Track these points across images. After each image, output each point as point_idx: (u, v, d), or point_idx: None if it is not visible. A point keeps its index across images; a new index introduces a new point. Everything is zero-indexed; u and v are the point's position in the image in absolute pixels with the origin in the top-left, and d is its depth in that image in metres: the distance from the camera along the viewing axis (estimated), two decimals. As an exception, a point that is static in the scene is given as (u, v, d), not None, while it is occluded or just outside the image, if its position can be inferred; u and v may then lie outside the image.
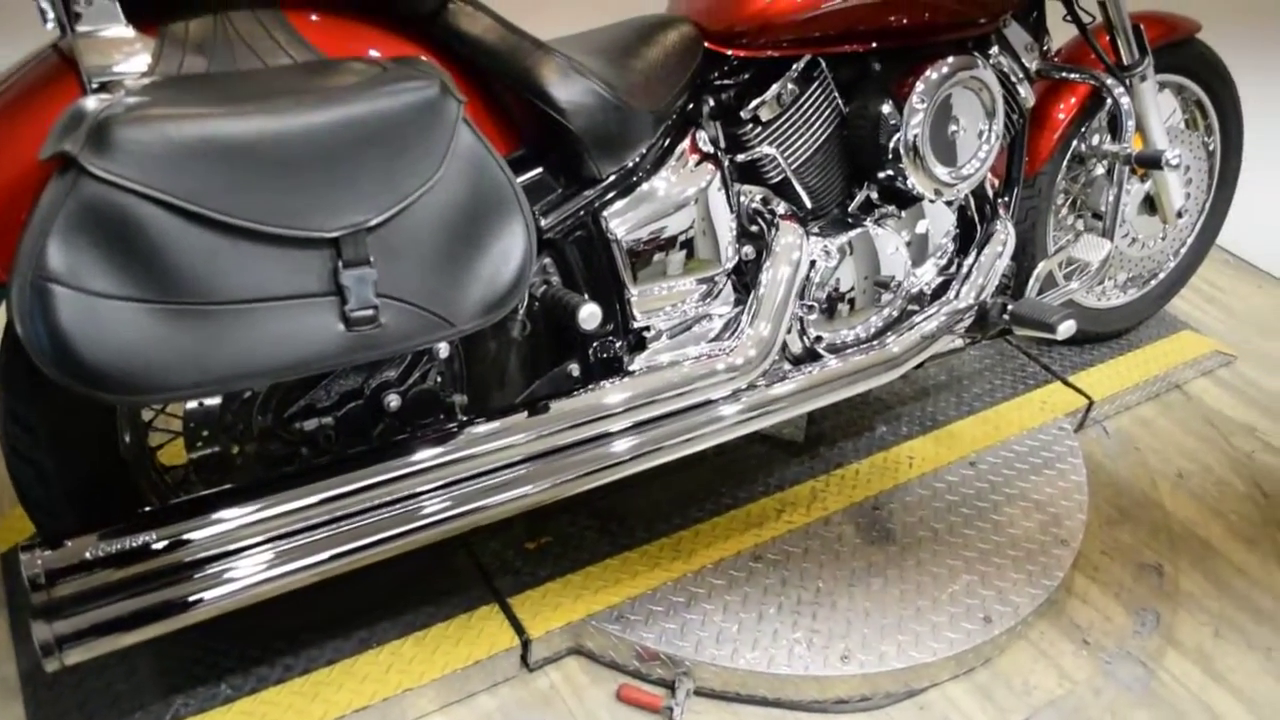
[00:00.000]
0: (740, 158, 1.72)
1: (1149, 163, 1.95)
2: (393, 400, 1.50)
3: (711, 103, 1.72)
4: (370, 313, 1.17)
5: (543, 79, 1.41)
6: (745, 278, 1.73)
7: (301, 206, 1.11)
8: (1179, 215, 2.31)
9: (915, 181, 1.75)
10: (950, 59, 1.73)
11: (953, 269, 1.95)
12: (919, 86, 1.70)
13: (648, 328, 1.64)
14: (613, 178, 1.54)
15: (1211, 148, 2.44)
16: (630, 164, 1.54)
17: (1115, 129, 1.97)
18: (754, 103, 1.69)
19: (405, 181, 1.17)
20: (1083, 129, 2.17)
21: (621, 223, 1.55)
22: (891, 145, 1.72)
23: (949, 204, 1.92)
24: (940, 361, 2.38)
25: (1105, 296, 2.50)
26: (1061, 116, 2.12)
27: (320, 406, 1.48)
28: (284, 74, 1.22)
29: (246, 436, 1.48)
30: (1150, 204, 2.32)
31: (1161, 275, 2.54)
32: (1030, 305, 1.86)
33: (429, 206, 1.19)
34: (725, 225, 1.67)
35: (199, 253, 1.08)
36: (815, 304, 1.76)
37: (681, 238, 1.62)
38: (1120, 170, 2.00)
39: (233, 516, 1.33)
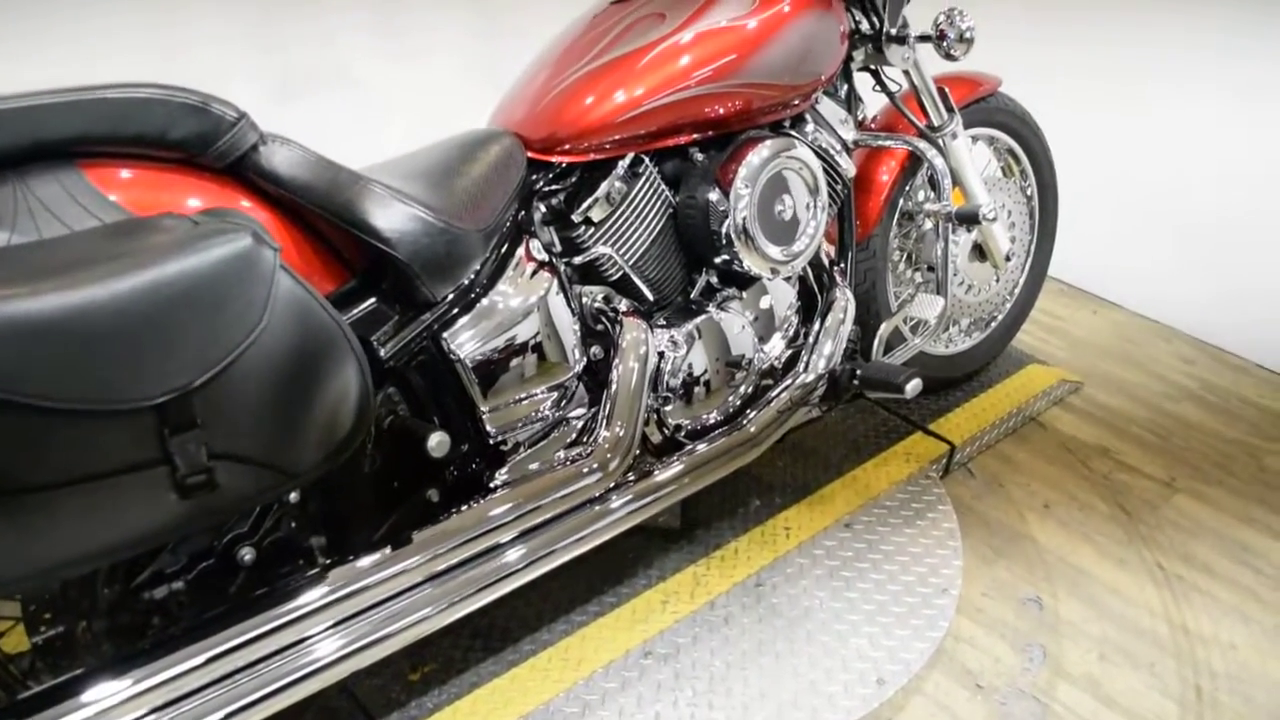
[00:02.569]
0: (578, 260, 1.74)
1: (967, 219, 2.04)
2: (246, 553, 1.44)
3: (543, 210, 1.73)
4: (204, 477, 1.13)
5: (364, 211, 1.40)
6: (598, 377, 1.73)
7: (118, 378, 1.07)
8: (1007, 259, 2.42)
9: (750, 263, 1.79)
10: (768, 142, 1.78)
11: (800, 340, 1.99)
12: (741, 172, 1.74)
13: (504, 441, 1.63)
14: (449, 298, 1.53)
15: (1029, 191, 2.56)
16: (465, 283, 1.54)
17: (935, 187, 2.06)
18: (584, 205, 1.71)
19: (226, 338, 1.14)
20: (906, 188, 2.26)
21: (463, 342, 1.55)
22: (723, 231, 1.76)
23: (788, 279, 1.96)
24: (805, 427, 2.42)
25: (952, 343, 2.58)
26: (885, 179, 2.20)
27: (170, 572, 1.41)
28: (89, 240, 1.18)
29: (94, 613, 1.40)
30: (980, 251, 2.42)
31: (1001, 316, 2.65)
32: (877, 368, 1.91)
33: (254, 359, 1.16)
34: (569, 329, 1.67)
35: (12, 439, 1.03)
36: (670, 394, 1.78)
37: (527, 348, 1.62)
38: (944, 227, 2.09)
39: (91, 701, 1.26)
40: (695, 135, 1.76)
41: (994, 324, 2.65)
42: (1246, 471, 2.52)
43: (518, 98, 1.75)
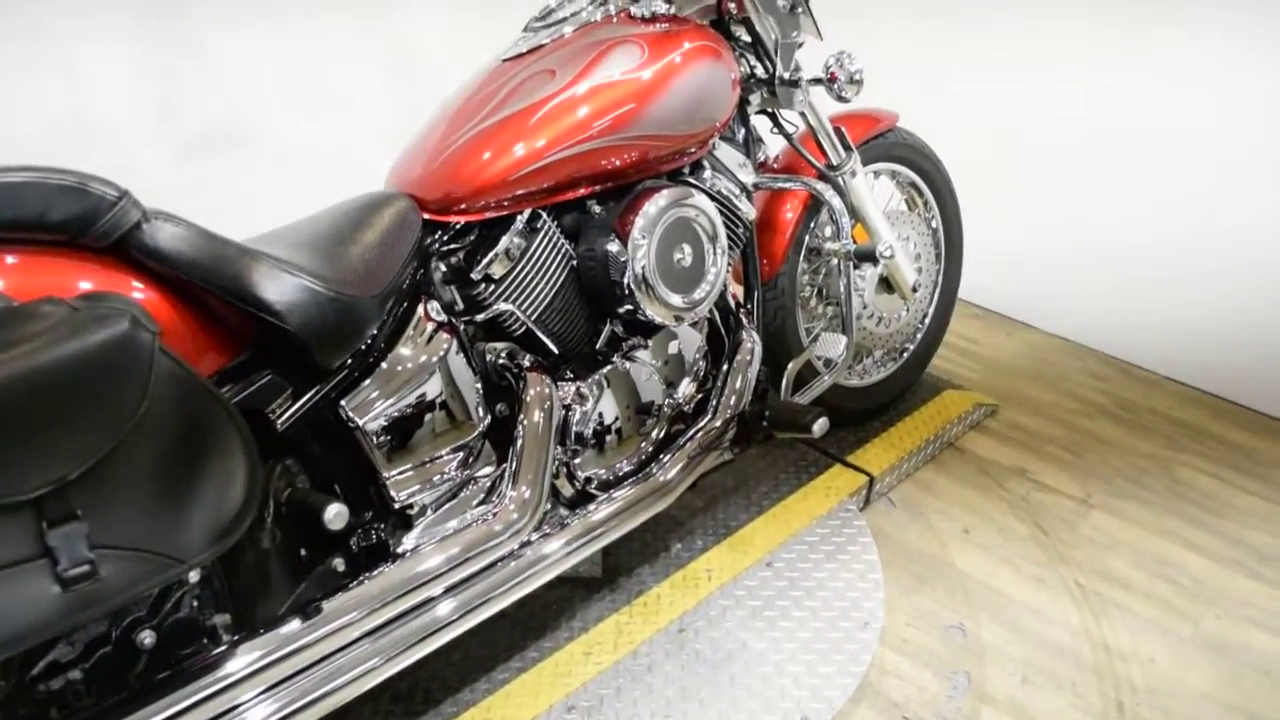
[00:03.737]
0: (480, 317, 1.74)
1: (865, 257, 2.08)
2: (146, 637, 1.41)
3: (442, 269, 1.73)
4: (86, 569, 1.11)
5: (251, 284, 1.39)
6: (505, 434, 1.73)
7: None
8: (914, 290, 2.46)
9: (651, 312, 1.80)
10: (665, 191, 1.80)
11: (710, 384, 2.01)
12: (638, 223, 1.76)
13: (410, 505, 1.62)
14: (344, 367, 1.52)
15: (933, 222, 2.61)
16: (360, 349, 1.53)
17: (835, 226, 2.10)
18: (483, 263, 1.71)
19: (105, 426, 1.12)
20: (811, 225, 2.30)
21: (362, 409, 1.54)
22: (623, 281, 1.77)
23: (694, 324, 1.98)
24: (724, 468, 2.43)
25: (866, 374, 2.62)
26: (789, 219, 2.23)
27: (66, 661, 1.38)
28: (-38, 330, 1.16)
29: (-13, 709, 1.36)
30: (888, 284, 2.46)
31: (913, 345, 2.69)
32: (784, 409, 1.93)
33: (136, 446, 1.14)
34: (471, 388, 1.67)
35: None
36: (579, 446, 1.78)
37: (428, 410, 1.61)
38: (845, 265, 2.12)
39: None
40: (593, 187, 1.77)
41: (907, 353, 2.69)
42: (1159, 484, 2.58)
43: (412, 159, 1.75)
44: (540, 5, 1.94)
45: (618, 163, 1.75)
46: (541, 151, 1.67)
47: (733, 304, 2.09)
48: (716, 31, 2.01)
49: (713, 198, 1.95)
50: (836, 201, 2.05)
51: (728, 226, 1.99)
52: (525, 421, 1.69)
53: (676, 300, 1.81)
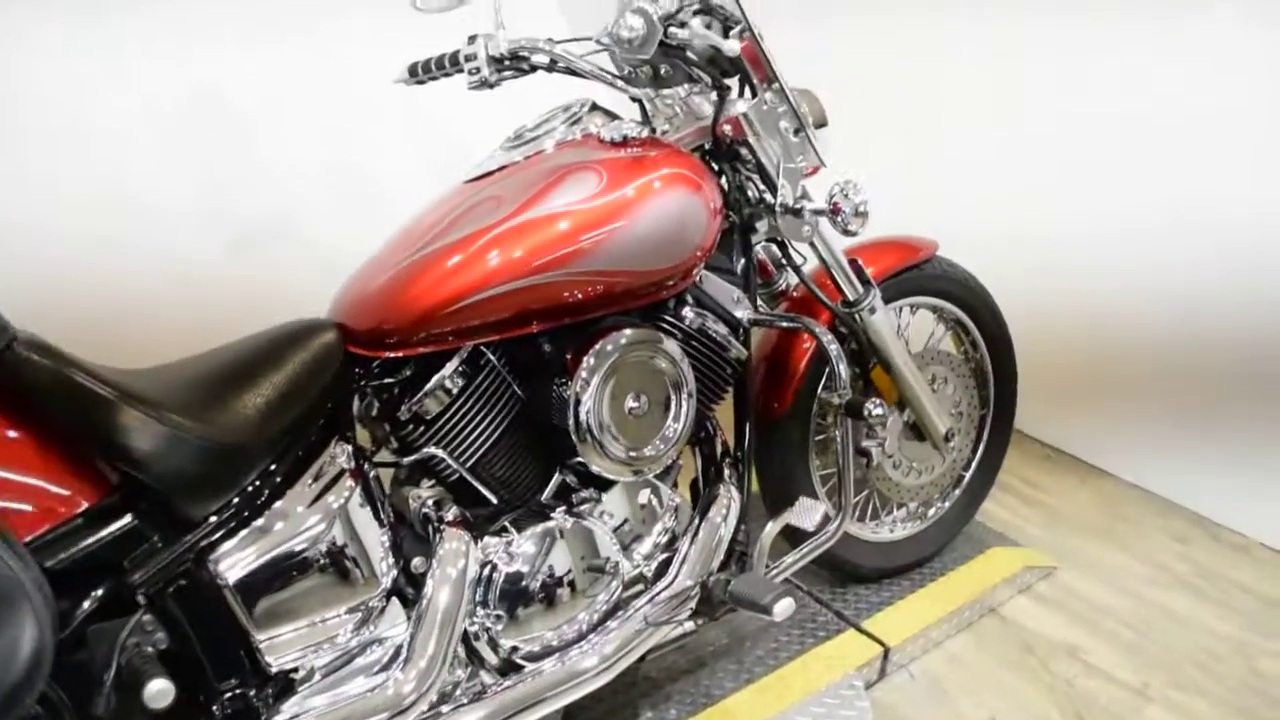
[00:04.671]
0: (408, 461, 1.59)
1: (852, 412, 1.84)
2: None
3: (369, 407, 1.59)
4: None
5: (105, 428, 1.27)
6: (418, 591, 1.56)
7: None
8: (948, 439, 2.20)
9: (598, 466, 1.62)
10: (624, 332, 1.62)
11: (677, 543, 1.79)
12: (586, 365, 1.58)
13: (292, 671, 1.45)
14: (217, 517, 1.38)
15: (973, 363, 2.36)
16: (236, 499, 1.39)
17: (831, 376, 1.86)
18: (412, 402, 1.56)
19: None
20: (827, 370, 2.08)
21: (234, 564, 1.39)
22: (566, 429, 1.59)
23: (664, 476, 1.78)
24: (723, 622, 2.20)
25: (896, 527, 2.36)
26: (802, 357, 2.03)
27: None
28: None
29: None
30: (917, 431, 2.20)
31: (950, 499, 2.41)
32: (748, 583, 1.70)
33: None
34: (376, 543, 1.51)
35: None
36: (502, 612, 1.59)
37: (317, 565, 1.45)
38: (844, 420, 1.88)
39: None
40: (548, 324, 1.60)
41: (945, 505, 2.41)
42: (1234, 676, 2.23)
43: (352, 285, 1.62)
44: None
45: (573, 299, 1.58)
46: (479, 285, 1.52)
47: (719, 451, 1.87)
48: (711, 157, 1.83)
49: (691, 336, 1.76)
50: (834, 347, 1.83)
51: (712, 368, 1.79)
52: (433, 582, 1.51)
53: (621, 453, 1.62)
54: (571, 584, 1.66)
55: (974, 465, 2.43)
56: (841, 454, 1.87)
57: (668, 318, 1.75)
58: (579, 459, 1.65)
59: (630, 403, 1.63)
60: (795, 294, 2.13)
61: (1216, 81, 2.45)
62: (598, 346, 1.60)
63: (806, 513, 1.82)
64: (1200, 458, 2.79)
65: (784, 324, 1.89)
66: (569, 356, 1.62)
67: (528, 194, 1.58)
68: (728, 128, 1.80)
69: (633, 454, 1.64)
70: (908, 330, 2.27)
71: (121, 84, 2.67)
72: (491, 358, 1.62)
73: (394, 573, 1.53)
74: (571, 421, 1.58)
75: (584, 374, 1.58)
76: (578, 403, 1.58)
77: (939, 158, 2.99)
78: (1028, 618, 2.39)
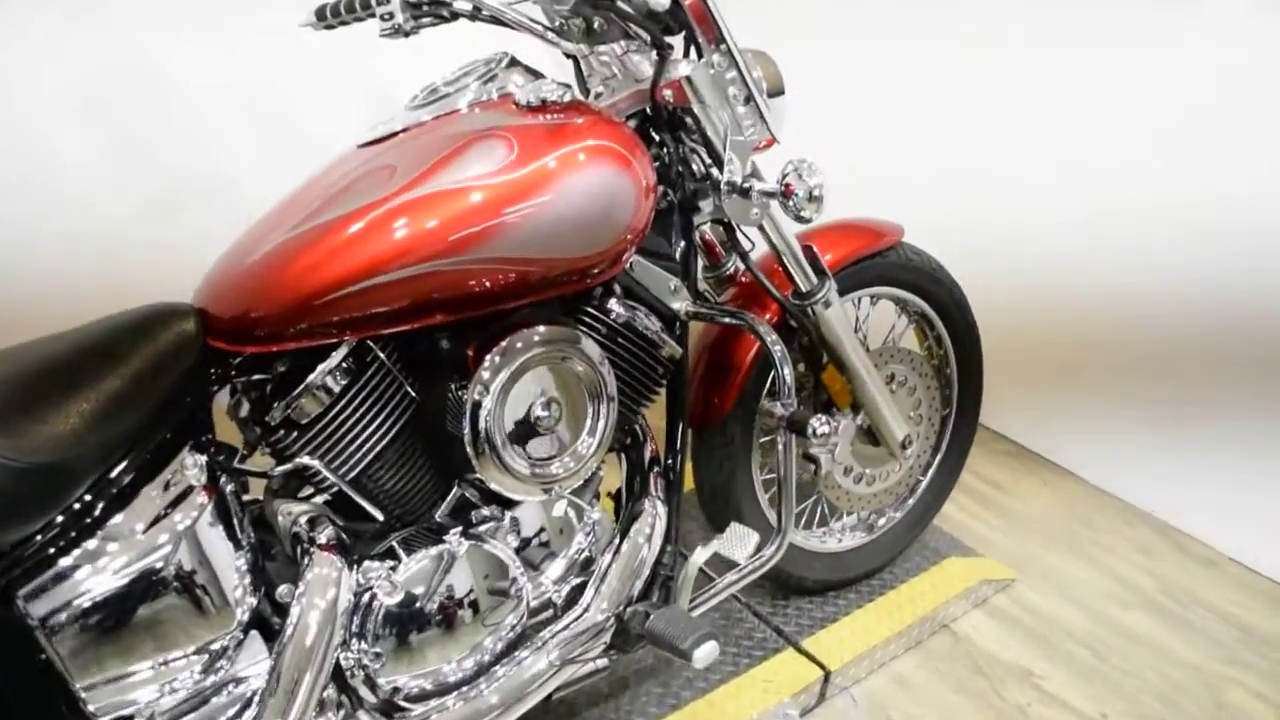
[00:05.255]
0: (279, 470, 1.36)
1: (795, 429, 1.61)
2: None
3: (238, 406, 1.36)
4: None
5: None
6: (284, 622, 1.34)
7: None
8: (904, 446, 2.00)
9: (494, 481, 1.40)
10: (533, 330, 1.40)
11: (594, 565, 1.58)
12: (487, 367, 1.36)
13: (131, 717, 1.23)
14: (26, 546, 1.15)
15: (937, 360, 2.15)
16: (58, 521, 1.16)
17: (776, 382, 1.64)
18: (285, 403, 1.33)
19: None
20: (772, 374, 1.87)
21: (48, 599, 1.16)
22: (460, 438, 1.37)
23: (585, 485, 1.57)
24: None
25: (844, 537, 2.16)
26: (747, 351, 1.81)
27: None
28: None
29: None
30: (872, 435, 2.00)
31: (904, 509, 2.22)
32: (668, 621, 1.49)
33: None
34: (231, 569, 1.29)
35: None
36: (380, 648, 1.38)
37: (156, 598, 1.24)
38: (785, 433, 1.66)
39: None
40: (447, 316, 1.37)
41: (895, 516, 2.22)
42: (1200, 708, 2.07)
43: (218, 265, 1.38)
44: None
45: (478, 288, 1.35)
46: (364, 270, 1.29)
47: (648, 458, 1.66)
48: (651, 125, 1.60)
49: (618, 332, 1.54)
50: (779, 349, 1.61)
51: (641, 367, 1.58)
52: (299, 612, 1.30)
53: (525, 469, 1.40)
54: (466, 614, 1.45)
55: (932, 470, 2.24)
56: (783, 469, 1.66)
57: (590, 310, 1.52)
58: (474, 475, 1.43)
59: (539, 411, 1.41)
60: (744, 279, 1.92)
61: (1198, 67, 2.24)
62: (503, 344, 1.37)
63: (738, 542, 1.61)
64: (1171, 463, 2.61)
65: (725, 319, 1.67)
66: (470, 354, 1.39)
67: (425, 164, 1.35)
68: (668, 92, 1.56)
69: (538, 470, 1.42)
70: (866, 324, 2.07)
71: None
72: (379, 353, 1.39)
73: (253, 602, 1.31)
74: (468, 430, 1.36)
75: (485, 376, 1.36)
76: (476, 409, 1.35)
77: (902, 135, 2.78)
78: (981, 635, 2.21)
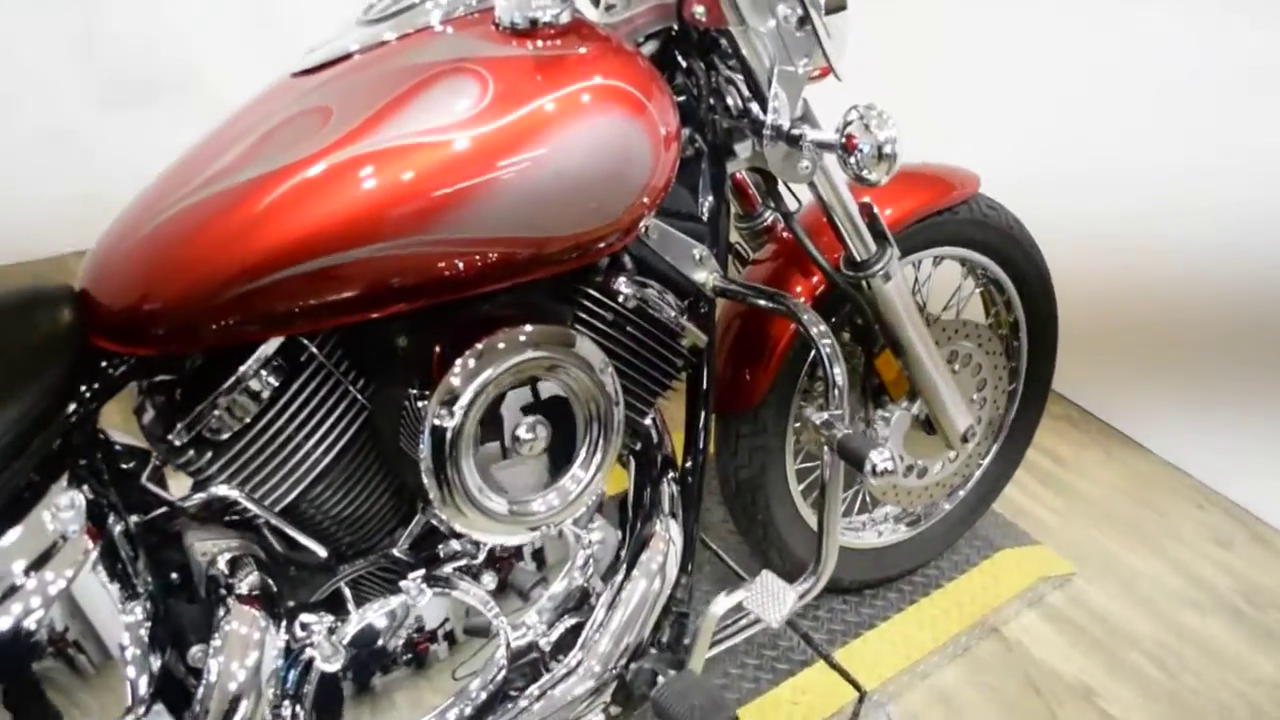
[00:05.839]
0: (190, 503, 1.06)
1: (849, 457, 1.28)
2: None
3: (141, 410, 1.06)
4: None
5: None
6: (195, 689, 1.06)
7: None
8: (965, 439, 1.68)
9: (462, 524, 1.09)
10: (516, 333, 1.07)
11: (591, 599, 1.29)
12: (449, 382, 1.04)
13: None
14: None
15: (1004, 329, 1.82)
16: None
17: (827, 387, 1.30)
18: (190, 419, 1.03)
19: None
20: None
21: None
22: (422, 468, 1.06)
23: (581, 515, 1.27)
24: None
25: (885, 530, 1.87)
26: (780, 342, 1.50)
27: None
28: None
29: None
30: (928, 423, 1.69)
31: (956, 500, 1.92)
32: (679, 692, 1.20)
33: None
34: (124, 634, 1.00)
35: None
36: (318, 714, 1.10)
37: (21, 682, 0.94)
38: (832, 456, 1.32)
39: None
40: (402, 305, 1.05)
41: (946, 508, 1.92)
42: (1282, 738, 1.79)
43: (110, 235, 1.05)
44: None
45: (441, 273, 1.03)
46: (285, 254, 0.97)
47: (661, 463, 1.35)
48: (677, 49, 1.25)
49: (627, 319, 1.21)
50: (828, 345, 1.28)
51: (656, 358, 1.26)
52: (212, 682, 1.02)
53: (497, 507, 1.10)
54: (431, 671, 1.17)
55: (990, 456, 1.93)
56: (827, 497, 1.34)
57: (591, 293, 1.19)
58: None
59: (521, 431, 1.10)
60: (783, 234, 1.59)
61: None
62: (476, 348, 1.05)
63: (770, 599, 1.30)
64: (1251, 441, 2.29)
65: (760, 302, 1.34)
66: (433, 357, 1.08)
67: (370, 108, 1.01)
68: (700, 9, 1.21)
69: (515, 509, 1.11)
70: (925, 289, 1.74)
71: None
72: (315, 351, 1.08)
73: (155, 669, 1.03)
74: (426, 456, 1.05)
75: (452, 386, 1.04)
76: (439, 433, 1.04)
77: (983, 74, 2.41)
78: (1036, 642, 1.93)
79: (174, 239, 0.99)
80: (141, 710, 1.03)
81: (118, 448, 1.11)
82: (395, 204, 0.98)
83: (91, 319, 1.00)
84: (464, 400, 1.04)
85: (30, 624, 0.94)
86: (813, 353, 1.46)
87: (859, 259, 1.46)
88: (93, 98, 2.78)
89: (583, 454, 1.14)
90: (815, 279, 1.50)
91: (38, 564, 0.95)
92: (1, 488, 0.95)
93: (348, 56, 1.09)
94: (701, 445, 1.39)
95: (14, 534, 0.95)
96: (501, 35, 1.08)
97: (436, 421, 1.03)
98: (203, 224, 0.98)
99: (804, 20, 1.23)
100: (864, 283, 1.46)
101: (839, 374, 1.26)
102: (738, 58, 1.25)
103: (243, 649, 1.04)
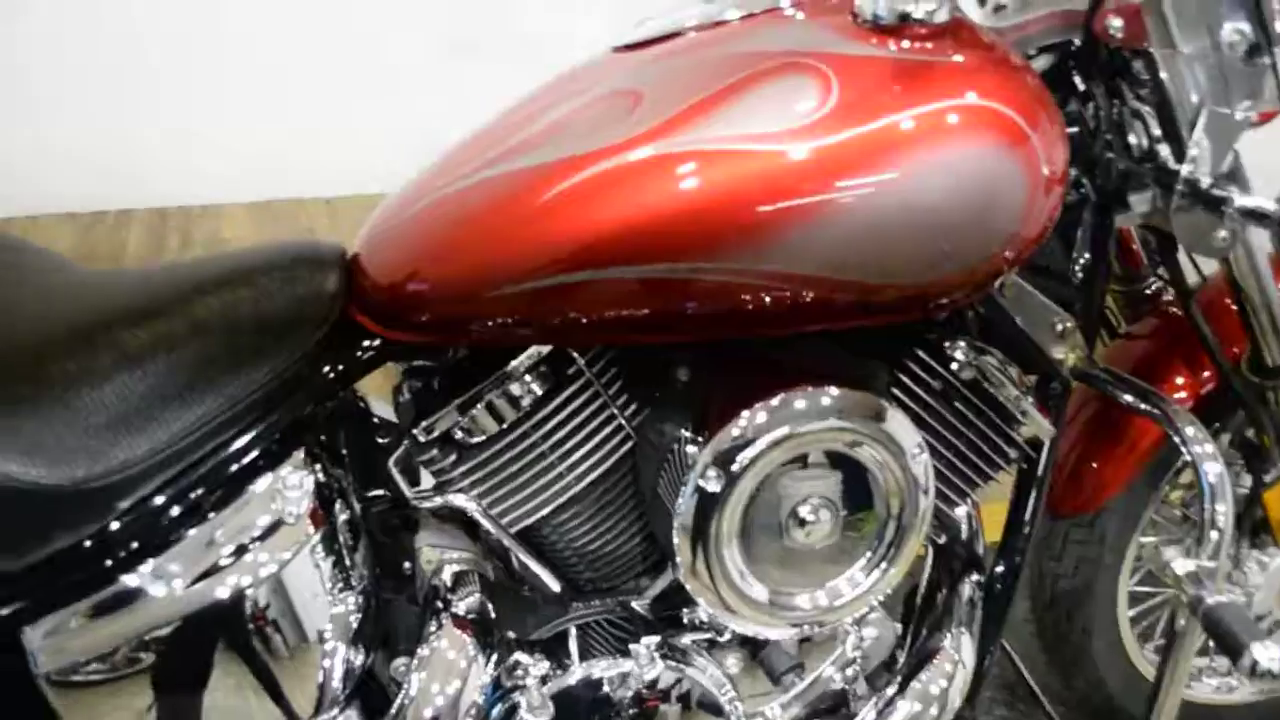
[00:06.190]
0: (427, 505, 0.98)
1: (1222, 643, 0.96)
2: None
3: (397, 392, 1.00)
4: None
5: None
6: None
7: None
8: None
9: (710, 604, 0.93)
10: (807, 394, 0.89)
11: (852, 707, 1.09)
12: (724, 439, 0.88)
13: None
14: (38, 572, 0.83)
15: None
16: (67, 548, 0.83)
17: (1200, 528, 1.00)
18: (440, 415, 0.94)
19: None
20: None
21: (56, 646, 0.84)
22: (674, 529, 0.91)
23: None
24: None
25: (1234, 682, 1.52)
26: (1141, 446, 1.23)
27: None
28: None
29: None
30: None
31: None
32: None
33: None
34: (326, 626, 0.92)
35: None
36: None
37: (207, 668, 0.89)
38: (1189, 617, 1.02)
39: None
40: (690, 335, 0.91)
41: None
42: None
43: (389, 205, 0.98)
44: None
45: (743, 306, 0.87)
46: (567, 258, 0.84)
47: (963, 559, 1.13)
48: (1075, 67, 1.02)
49: (956, 393, 1.00)
50: (1215, 474, 0.99)
51: (982, 449, 1.03)
52: (407, 702, 0.93)
53: (757, 593, 0.92)
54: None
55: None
56: (1170, 657, 1.05)
57: (920, 354, 0.99)
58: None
59: (804, 512, 0.91)
60: (1170, 310, 1.30)
61: None
62: (773, 403, 0.88)
63: None
64: None
65: (1130, 399, 1.07)
66: (718, 398, 0.92)
67: (693, 97, 0.86)
68: (1116, 22, 0.96)
69: (776, 599, 0.93)
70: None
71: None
72: (583, 366, 0.95)
73: (357, 670, 0.95)
74: (684, 513, 0.89)
75: (725, 448, 0.88)
76: (704, 496, 0.88)
77: None
78: None
79: (450, 219, 0.90)
80: (336, 711, 0.95)
81: (375, 419, 1.04)
82: (705, 217, 0.83)
83: (355, 292, 0.93)
84: (739, 462, 0.87)
85: (231, 600, 0.87)
86: (1182, 462, 1.18)
87: (1271, 363, 1.15)
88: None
89: (868, 554, 0.94)
90: (1205, 375, 1.21)
91: (253, 543, 0.88)
92: (243, 450, 0.89)
93: (680, 33, 0.94)
94: (1022, 551, 1.14)
95: (236, 507, 0.89)
96: (860, 29, 0.89)
97: (702, 482, 0.87)
98: (481, 206, 0.88)
99: (1256, 50, 0.94)
100: (1272, 393, 1.15)
101: (1222, 514, 0.98)
102: (1155, 88, 0.99)
103: (445, 674, 0.94)
